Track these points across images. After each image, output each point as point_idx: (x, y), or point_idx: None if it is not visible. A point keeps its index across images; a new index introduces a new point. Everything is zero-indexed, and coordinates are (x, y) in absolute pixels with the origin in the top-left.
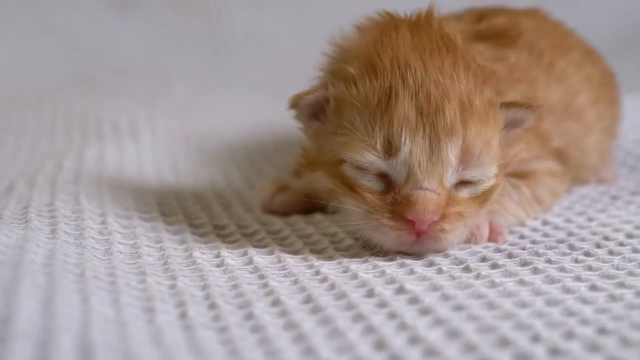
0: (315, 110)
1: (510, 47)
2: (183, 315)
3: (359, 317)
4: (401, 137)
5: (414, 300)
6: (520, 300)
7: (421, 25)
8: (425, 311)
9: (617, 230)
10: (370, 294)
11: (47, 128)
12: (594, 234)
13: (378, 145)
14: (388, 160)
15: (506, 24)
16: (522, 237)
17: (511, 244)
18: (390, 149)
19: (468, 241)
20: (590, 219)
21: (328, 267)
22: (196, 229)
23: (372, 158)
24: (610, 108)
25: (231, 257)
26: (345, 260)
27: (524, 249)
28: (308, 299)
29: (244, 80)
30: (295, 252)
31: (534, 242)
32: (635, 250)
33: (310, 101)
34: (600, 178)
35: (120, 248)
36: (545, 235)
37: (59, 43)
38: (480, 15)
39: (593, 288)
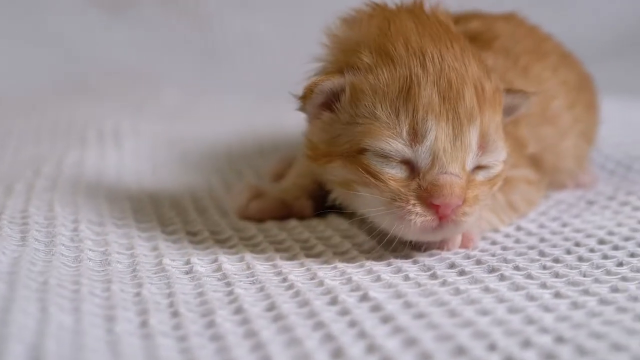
0: (327, 100)
1: (486, 50)
2: (144, 324)
3: (319, 325)
4: (427, 123)
5: (376, 308)
6: (482, 307)
7: (418, 14)
8: (386, 319)
9: (589, 236)
10: (333, 301)
11: (32, 133)
12: (566, 239)
13: (404, 133)
14: (414, 147)
15: (481, 27)
16: (493, 243)
17: (482, 250)
18: (416, 136)
19: (439, 248)
20: (564, 225)
21: (296, 274)
22: (169, 236)
23: (398, 146)
24: (587, 112)
25: (201, 263)
26: (315, 267)
27: (493, 255)
28: (271, 307)
29: (234, 84)
30: (266, 259)
31: (504, 248)
32: (604, 257)
33: (327, 87)
34: (578, 183)
35: (90, 255)
36: (517, 241)
37: (50, 47)
38: (455, 19)
39: (557, 295)
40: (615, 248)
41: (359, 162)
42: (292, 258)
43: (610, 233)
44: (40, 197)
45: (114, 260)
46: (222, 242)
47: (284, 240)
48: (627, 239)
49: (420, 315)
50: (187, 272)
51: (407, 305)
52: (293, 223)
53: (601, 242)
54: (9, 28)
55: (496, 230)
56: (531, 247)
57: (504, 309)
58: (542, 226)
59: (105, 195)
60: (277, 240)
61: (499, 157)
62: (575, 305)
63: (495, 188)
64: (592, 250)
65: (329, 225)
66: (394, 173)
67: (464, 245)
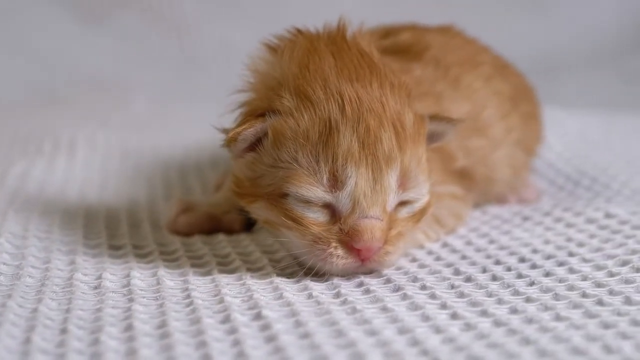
0: (251, 144)
1: (415, 61)
2: (27, 341)
3: (201, 344)
4: (346, 170)
5: (265, 327)
6: (370, 328)
7: (339, 44)
8: (270, 339)
9: (512, 254)
10: (225, 319)
11: None
12: (488, 257)
13: (324, 180)
14: (334, 193)
15: (411, 39)
16: (413, 260)
17: (397, 268)
18: (336, 182)
19: None
20: (492, 242)
21: (201, 291)
22: (90, 250)
23: (318, 192)
24: (525, 123)
25: (112, 278)
26: (223, 283)
27: (406, 273)
28: (162, 324)
29: (210, 94)
30: (179, 274)
31: (422, 265)
32: (518, 276)
33: (250, 135)
34: (520, 198)
35: (2, 269)
36: (438, 258)
37: (22, 57)
38: (387, 32)
39: (453, 316)
40: (534, 267)
41: (281, 205)
42: (205, 274)
43: (535, 251)
44: None
45: (25, 274)
46: (141, 257)
47: (203, 256)
48: (548, 257)
49: (304, 336)
50: (95, 287)
51: (297, 324)
52: (220, 237)
53: (521, 260)
54: None
55: (421, 247)
56: (449, 265)
57: (392, 330)
58: (468, 243)
59: (38, 208)
60: (196, 256)
61: (421, 191)
62: (467, 326)
63: (422, 219)
64: (508, 269)
65: (254, 241)
66: (316, 217)
67: None
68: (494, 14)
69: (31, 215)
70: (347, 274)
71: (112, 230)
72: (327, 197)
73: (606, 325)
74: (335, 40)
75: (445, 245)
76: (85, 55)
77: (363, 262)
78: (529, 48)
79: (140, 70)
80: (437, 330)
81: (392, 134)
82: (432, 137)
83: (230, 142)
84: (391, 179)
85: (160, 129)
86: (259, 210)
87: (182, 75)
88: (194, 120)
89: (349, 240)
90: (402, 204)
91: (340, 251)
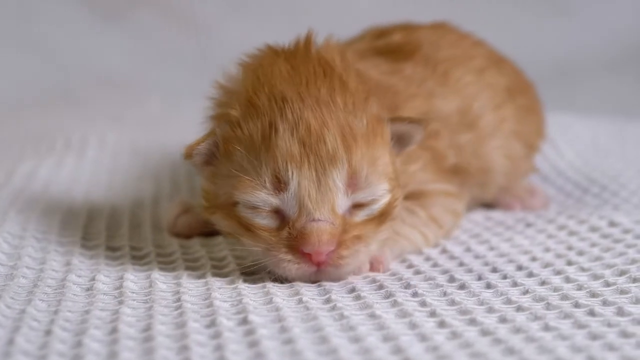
0: (207, 157)
1: (405, 61)
2: (10, 342)
3: (183, 349)
4: (287, 171)
5: (249, 333)
6: (354, 335)
7: (299, 54)
8: (252, 344)
9: (510, 262)
10: (211, 323)
11: (3, 144)
12: (486, 264)
13: (267, 183)
14: (279, 195)
15: (403, 39)
16: (410, 266)
17: (392, 274)
18: (279, 185)
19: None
20: (492, 248)
21: (192, 294)
22: (87, 251)
23: (262, 196)
24: (523, 115)
25: (105, 280)
26: (215, 286)
27: (400, 279)
28: (147, 328)
29: None
30: (173, 277)
31: (417, 272)
32: (513, 284)
33: (202, 150)
34: (526, 205)
35: None
36: (435, 265)
37: (39, 55)
38: (381, 33)
39: (440, 324)
40: (530, 275)
41: (233, 214)
42: (199, 277)
43: (533, 259)
44: None
45: (19, 274)
46: (138, 259)
47: (199, 258)
48: (546, 265)
49: (288, 341)
50: (87, 289)
51: (282, 330)
52: (219, 240)
53: (519, 268)
54: (4, 37)
55: (420, 250)
56: (445, 272)
57: (377, 337)
58: (468, 249)
59: (41, 208)
60: (192, 258)
61: (375, 191)
62: (453, 335)
63: (387, 221)
64: (504, 277)
65: None
66: (265, 223)
67: (374, 269)
68: (512, 18)
69: (32, 215)
70: (305, 280)
71: (112, 231)
72: (273, 200)
73: (594, 337)
74: (297, 51)
75: (444, 251)
76: (101, 53)
77: (318, 267)
78: (547, 52)
79: (155, 69)
80: (422, 338)
81: (337, 134)
82: (401, 140)
83: (186, 158)
84: (336, 179)
85: (173, 128)
86: (217, 222)
87: (198, 74)
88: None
89: (297, 245)
90: (358, 206)
91: (290, 256)
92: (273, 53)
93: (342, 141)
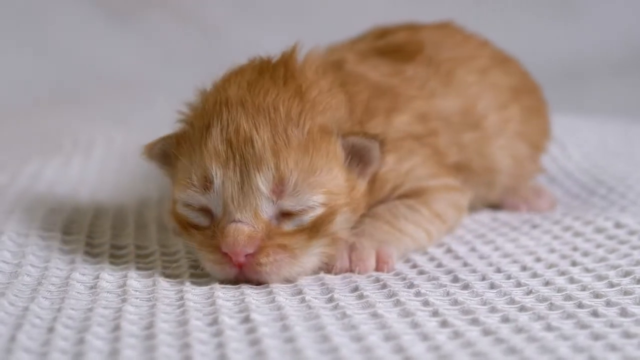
0: (164, 157)
1: (407, 62)
2: (12, 339)
3: (184, 346)
4: (212, 170)
5: (251, 331)
6: (356, 334)
7: (270, 65)
8: (253, 342)
9: (514, 262)
10: (213, 322)
11: (5, 142)
12: (490, 265)
13: (195, 181)
14: (206, 194)
15: (405, 39)
16: (414, 265)
17: (396, 273)
18: (206, 183)
19: (351, 270)
20: (496, 249)
21: (194, 293)
22: (92, 249)
23: (191, 193)
24: (528, 116)
25: (108, 279)
26: (218, 285)
27: (404, 278)
28: (150, 325)
29: None
30: (175, 277)
31: (421, 272)
32: (517, 285)
33: (158, 149)
34: (533, 207)
35: (1, 267)
36: (439, 265)
37: (49, 56)
38: (383, 32)
39: (442, 324)
40: (534, 276)
41: (175, 212)
42: (202, 276)
43: (538, 260)
44: None
45: (23, 272)
46: (142, 258)
47: None
48: (551, 266)
49: (289, 340)
50: (91, 287)
51: (283, 328)
52: None
53: (523, 268)
54: (8, 36)
55: (424, 247)
56: (449, 272)
57: (378, 337)
58: (473, 249)
59: (47, 207)
60: (196, 258)
61: (305, 201)
62: (455, 334)
63: (320, 235)
64: (508, 277)
65: None
66: (198, 222)
67: (378, 268)
68: (520, 20)
69: (38, 214)
70: (230, 280)
71: (118, 230)
72: (201, 199)
73: (596, 337)
74: (269, 62)
75: (448, 251)
76: (110, 54)
77: (239, 268)
78: (554, 54)
79: (163, 70)
80: (424, 337)
81: (267, 139)
82: (361, 157)
83: (144, 155)
84: (259, 182)
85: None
86: (170, 221)
87: (207, 76)
88: None
89: (218, 244)
90: (287, 215)
91: (212, 256)
92: (252, 63)
93: (271, 146)
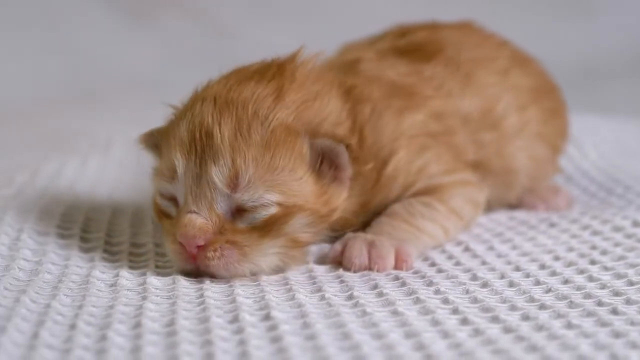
0: (157, 148)
1: (426, 62)
2: (35, 336)
3: (206, 343)
4: (176, 160)
5: (272, 328)
6: (377, 331)
7: (266, 65)
8: (274, 339)
9: (533, 261)
10: (234, 319)
11: (26, 142)
12: (508, 263)
13: (165, 170)
14: (172, 183)
15: (425, 38)
16: (432, 264)
17: (415, 272)
18: (172, 173)
19: (370, 268)
20: (514, 247)
21: (214, 290)
22: (111, 247)
23: (161, 182)
24: (547, 118)
25: (128, 277)
26: (237, 283)
27: (423, 276)
28: (171, 323)
29: None
30: (195, 274)
31: (440, 270)
32: (536, 283)
33: (150, 140)
34: (550, 206)
35: (21, 265)
36: (457, 263)
37: (66, 57)
38: (404, 31)
39: (463, 322)
40: (553, 274)
41: (154, 201)
42: None
43: (556, 258)
44: None
45: (43, 270)
46: (161, 256)
47: None
48: (569, 264)
49: (310, 337)
50: (111, 285)
51: (304, 326)
52: None
53: (542, 267)
54: (26, 37)
55: (441, 244)
56: (467, 270)
57: (399, 334)
58: (490, 248)
59: (65, 205)
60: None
61: (257, 198)
62: (476, 332)
63: (272, 235)
64: (527, 276)
65: None
66: (169, 211)
67: (397, 267)
68: (537, 19)
69: (57, 213)
70: (189, 272)
71: (136, 228)
72: (169, 188)
73: (617, 334)
74: (267, 63)
75: (466, 249)
76: (127, 54)
77: (193, 260)
78: (571, 53)
79: (180, 70)
80: (445, 335)
81: (227, 133)
82: (330, 159)
83: (139, 143)
84: (215, 175)
85: None
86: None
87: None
88: None
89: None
90: (241, 211)
91: (174, 246)
92: (257, 63)
93: (230, 141)
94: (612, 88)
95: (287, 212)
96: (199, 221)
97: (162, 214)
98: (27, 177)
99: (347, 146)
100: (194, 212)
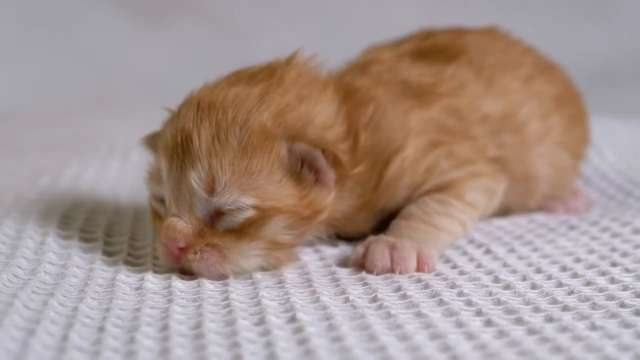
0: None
1: (448, 62)
2: (64, 338)
3: (233, 345)
4: (161, 163)
5: (298, 330)
6: (402, 333)
7: (259, 68)
8: (301, 341)
9: (554, 263)
10: (260, 321)
11: (46, 146)
12: (530, 265)
13: (155, 172)
14: (160, 185)
15: (449, 41)
16: (454, 266)
17: (437, 274)
18: (159, 175)
19: (392, 271)
20: (535, 250)
21: (239, 293)
22: (135, 250)
23: (151, 184)
24: (570, 125)
25: (153, 280)
26: (262, 285)
27: (445, 279)
28: (198, 325)
29: None
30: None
31: (462, 272)
32: (558, 285)
33: (151, 142)
34: (569, 208)
35: (47, 268)
36: (479, 265)
37: (82, 61)
38: (428, 34)
39: (487, 323)
40: (575, 276)
41: (149, 201)
42: (246, 277)
43: (577, 260)
44: (22, 209)
45: (69, 274)
46: None
47: None
48: (590, 266)
49: (336, 339)
50: (137, 288)
51: (330, 328)
52: None
53: (563, 269)
54: (41, 41)
55: (460, 238)
56: (489, 272)
57: (424, 336)
58: (511, 250)
59: (88, 209)
60: None
61: (232, 202)
62: (500, 334)
63: (251, 238)
64: (549, 278)
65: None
66: (161, 212)
67: (419, 269)
68: (554, 22)
69: (80, 217)
70: (176, 269)
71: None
72: (158, 189)
73: None
74: (270, 66)
75: (487, 252)
76: (142, 59)
77: (178, 261)
78: (588, 55)
79: (196, 74)
80: (470, 336)
81: (206, 138)
82: (309, 163)
83: (141, 144)
84: (193, 180)
85: None
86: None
87: None
88: None
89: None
90: (220, 215)
91: (162, 247)
92: (258, 67)
93: (207, 145)
94: (629, 90)
95: (263, 215)
96: (179, 225)
97: (155, 215)
98: (49, 181)
99: (324, 150)
100: (176, 215)
